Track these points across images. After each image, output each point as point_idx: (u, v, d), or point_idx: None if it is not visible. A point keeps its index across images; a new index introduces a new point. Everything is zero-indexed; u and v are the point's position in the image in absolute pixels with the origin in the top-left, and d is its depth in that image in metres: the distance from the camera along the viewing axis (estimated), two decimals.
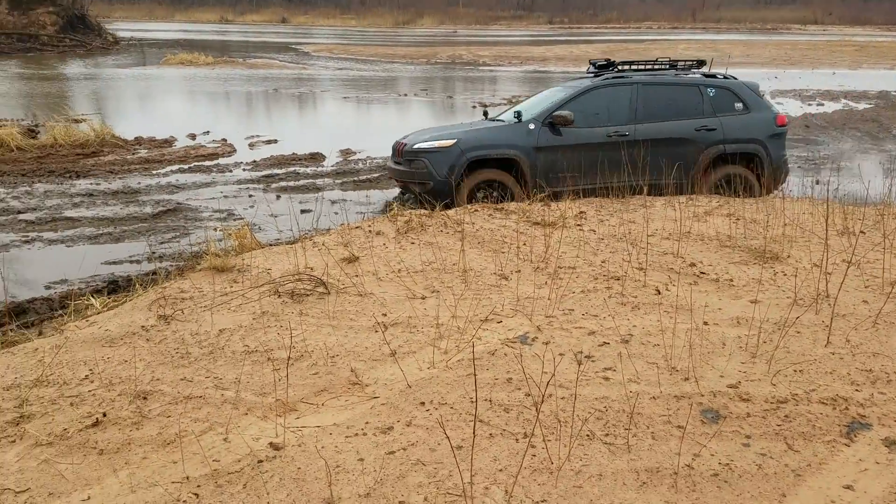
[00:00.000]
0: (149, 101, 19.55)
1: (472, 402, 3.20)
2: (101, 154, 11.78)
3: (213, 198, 9.09)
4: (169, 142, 12.98)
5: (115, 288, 6.09)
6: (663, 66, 8.63)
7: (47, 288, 6.21)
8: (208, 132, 13.86)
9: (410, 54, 37.35)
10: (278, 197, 9.21)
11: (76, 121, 14.29)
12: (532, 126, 7.80)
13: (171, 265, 6.51)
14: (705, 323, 4.12)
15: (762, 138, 8.15)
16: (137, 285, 5.40)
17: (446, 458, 2.79)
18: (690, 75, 8.43)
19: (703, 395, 3.27)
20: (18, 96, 18.68)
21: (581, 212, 6.72)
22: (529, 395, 3.27)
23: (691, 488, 2.62)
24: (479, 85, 24.77)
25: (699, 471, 2.72)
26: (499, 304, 4.47)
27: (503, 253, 5.50)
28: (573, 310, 4.34)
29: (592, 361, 3.63)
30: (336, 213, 8.35)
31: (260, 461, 2.80)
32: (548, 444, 2.87)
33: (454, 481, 2.65)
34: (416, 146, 7.97)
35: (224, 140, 13.18)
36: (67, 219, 8.14)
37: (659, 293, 4.62)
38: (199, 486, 2.66)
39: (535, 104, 8.53)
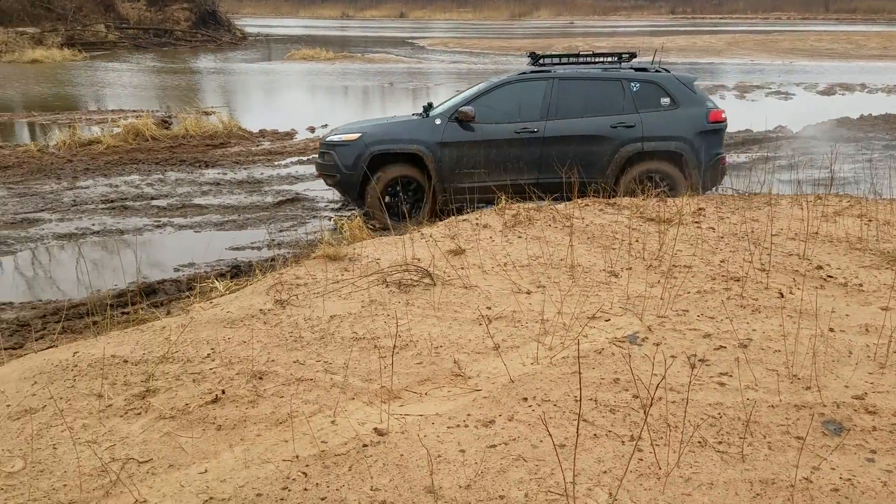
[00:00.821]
0: (272, 94, 20.41)
1: (577, 400, 3.15)
2: (228, 145, 12.41)
3: (329, 189, 9.39)
4: (290, 134, 13.51)
5: (238, 272, 6.42)
6: (588, 59, 8.29)
7: (176, 270, 6.62)
8: (326, 125, 14.32)
9: (525, 46, 37.08)
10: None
11: (206, 113, 15.12)
12: (438, 121, 7.74)
13: (289, 252, 6.78)
14: (831, 329, 3.86)
15: (688, 136, 7.64)
16: (257, 270, 5.65)
17: (548, 455, 2.76)
18: (618, 69, 8.01)
19: (825, 406, 3.07)
20: (154, 88, 19.95)
21: (699, 208, 6.46)
22: (637, 397, 3.18)
23: (808, 502, 2.47)
24: None
25: (818, 485, 2.55)
26: (607, 301, 4.37)
27: (614, 249, 5.37)
28: (687, 311, 4.18)
29: (707, 365, 3.48)
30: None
31: (365, 445, 2.87)
32: (656, 449, 2.78)
33: (556, 479, 2.61)
34: (327, 139, 8.09)
35: None
36: (196, 206, 8.63)
37: (782, 296, 4.37)
38: (307, 465, 2.75)
39: (462, 95, 8.37)
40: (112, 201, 8.74)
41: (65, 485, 2.62)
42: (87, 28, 32.30)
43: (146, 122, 12.78)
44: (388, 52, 34.16)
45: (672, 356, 3.57)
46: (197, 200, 8.85)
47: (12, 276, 6.55)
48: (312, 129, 13.98)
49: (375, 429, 2.99)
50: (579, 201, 6.65)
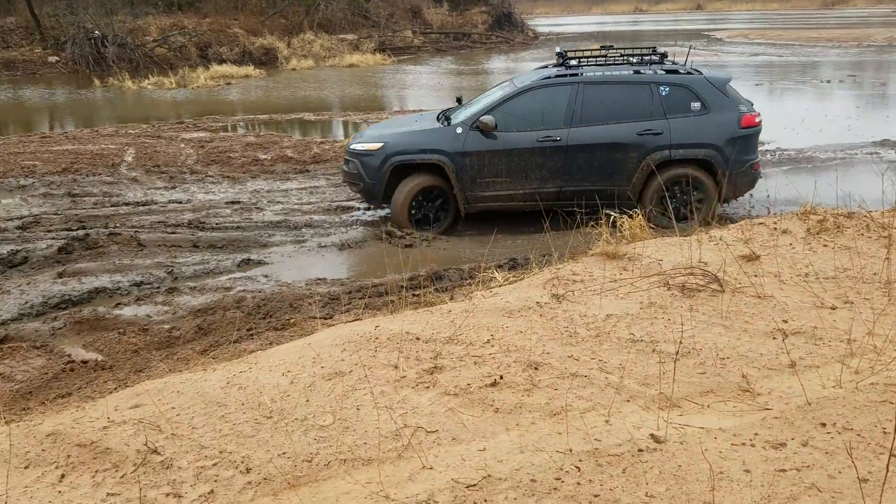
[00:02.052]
0: None
1: (886, 432, 2.77)
2: None
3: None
4: None
5: (515, 265, 6.64)
6: (619, 59, 7.99)
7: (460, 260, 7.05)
8: None
9: (838, 37, 33.26)
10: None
11: None
12: (459, 130, 7.61)
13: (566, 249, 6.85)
14: None
15: (718, 143, 7.35)
16: (534, 264, 5.80)
17: (847, 488, 2.47)
18: (649, 71, 7.60)
19: None
20: (449, 89, 21.31)
21: None
22: None
23: None
24: None
25: None
26: None
27: None
28: None
29: None
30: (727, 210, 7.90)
31: (640, 450, 2.81)
32: None
33: None
34: (351, 147, 8.09)
35: None
36: None
37: None
38: (580, 460, 2.77)
39: (475, 103, 8.21)
40: None
41: (365, 443, 2.93)
42: (397, 34, 35.51)
43: None
44: (680, 46, 32.81)
45: None
46: None
47: (325, 255, 7.46)
48: None
49: (652, 435, 2.91)
50: None
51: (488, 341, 3.94)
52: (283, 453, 2.83)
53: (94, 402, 3.49)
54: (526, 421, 3.10)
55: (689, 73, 7.66)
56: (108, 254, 7.29)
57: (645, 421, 3.03)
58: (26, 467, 2.72)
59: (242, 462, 2.76)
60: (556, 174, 7.58)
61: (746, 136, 7.46)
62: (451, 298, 5.42)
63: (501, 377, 3.49)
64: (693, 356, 3.61)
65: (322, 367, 3.58)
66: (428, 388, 3.43)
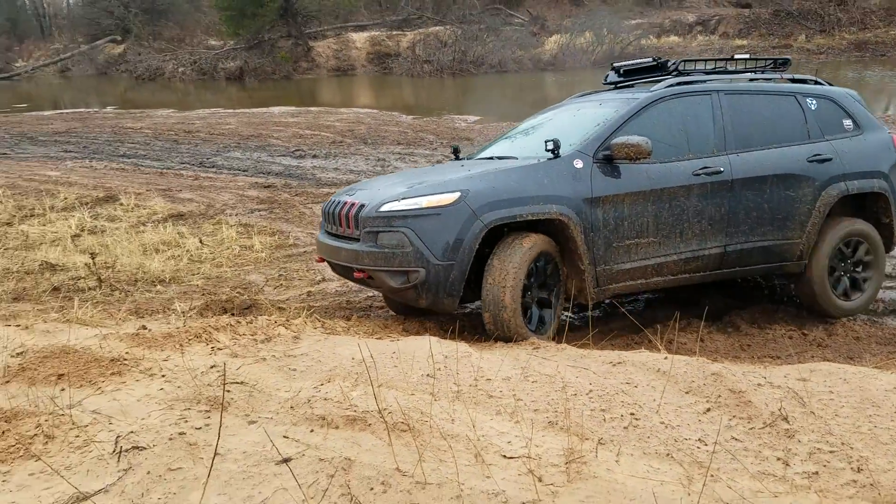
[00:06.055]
0: None
1: None
2: None
3: None
4: None
5: None
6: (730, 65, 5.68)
7: None
8: None
9: None
10: None
11: None
12: (579, 163, 4.72)
13: None
14: None
15: (885, 170, 5.52)
16: None
17: None
18: (776, 80, 5.69)
19: None
20: None
21: None
22: None
23: None
24: None
25: None
26: None
27: None
28: None
29: None
30: None
31: None
32: None
33: None
34: (384, 207, 4.54)
35: None
36: None
37: None
38: None
39: (558, 129, 5.33)
40: None
41: None
42: None
43: None
44: None
45: None
46: None
47: None
48: None
49: None
50: None
51: None
52: None
53: (772, 363, 3.88)
54: None
55: (817, 82, 5.76)
56: None
57: None
58: (686, 392, 3.37)
59: (858, 461, 2.75)
60: (719, 226, 5.16)
61: None
62: None
63: None
64: None
65: None
66: None
